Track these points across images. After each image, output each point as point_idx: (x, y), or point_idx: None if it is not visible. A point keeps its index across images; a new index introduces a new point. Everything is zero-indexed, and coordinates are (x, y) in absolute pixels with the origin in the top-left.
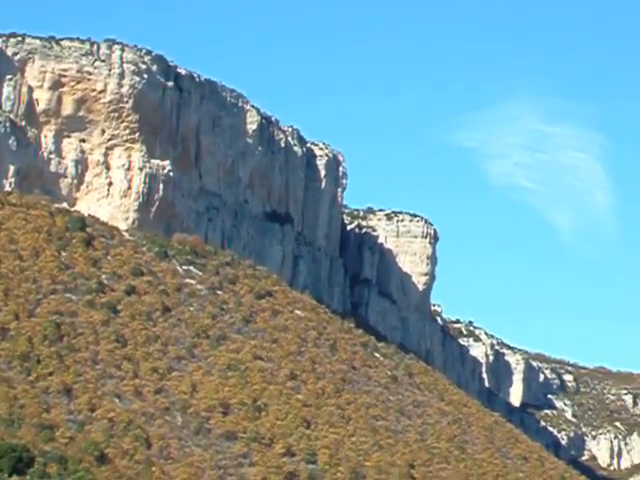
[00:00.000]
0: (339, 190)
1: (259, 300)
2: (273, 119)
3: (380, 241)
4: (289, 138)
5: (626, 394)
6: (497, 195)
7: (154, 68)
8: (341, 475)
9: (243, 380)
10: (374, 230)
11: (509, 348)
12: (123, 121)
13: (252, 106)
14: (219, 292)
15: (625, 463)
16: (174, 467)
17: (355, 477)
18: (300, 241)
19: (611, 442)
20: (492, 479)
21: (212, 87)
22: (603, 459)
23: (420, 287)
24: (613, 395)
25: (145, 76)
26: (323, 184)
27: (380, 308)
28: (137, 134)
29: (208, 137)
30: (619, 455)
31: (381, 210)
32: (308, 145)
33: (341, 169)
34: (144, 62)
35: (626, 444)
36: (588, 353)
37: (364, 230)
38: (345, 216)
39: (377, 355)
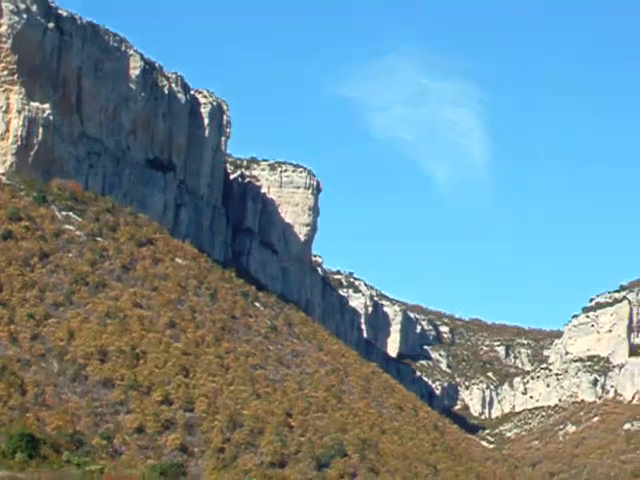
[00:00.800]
0: (223, 139)
1: (139, 248)
2: (157, 65)
3: (263, 191)
4: (173, 85)
5: (499, 345)
6: (379, 147)
7: (34, 8)
8: (218, 423)
9: (122, 328)
10: (257, 180)
11: (388, 300)
12: (1, 62)
13: (135, 51)
14: (99, 239)
15: (496, 412)
16: (49, 414)
17: (232, 425)
18: (182, 189)
19: (483, 392)
20: (368, 428)
21: (94, 30)
22: (475, 408)
23: (302, 238)
24: (487, 346)
25: (24, 16)
26: (207, 132)
27: (261, 258)
28: (16, 75)
29: (90, 81)
30: (490, 405)
31: (264, 160)
32: (192, 93)
33: (225, 118)
34: (24, 2)
35: (497, 394)
36: (464, 305)
37: (247, 180)
38: (228, 165)
39: (257, 305)
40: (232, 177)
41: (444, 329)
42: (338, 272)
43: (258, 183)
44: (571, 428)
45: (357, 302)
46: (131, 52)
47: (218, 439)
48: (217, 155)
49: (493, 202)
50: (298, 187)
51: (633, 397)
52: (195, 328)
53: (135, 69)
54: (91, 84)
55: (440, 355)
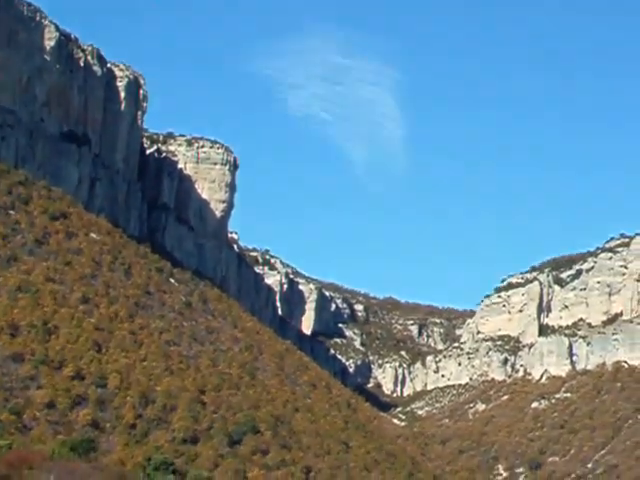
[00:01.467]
0: (139, 113)
1: (53, 221)
2: (73, 37)
3: (179, 167)
4: (89, 57)
5: (412, 324)
6: (296, 125)
7: None
8: (131, 399)
9: (34, 302)
10: (174, 155)
11: (303, 277)
12: None
13: (50, 22)
14: (11, 212)
15: (408, 390)
16: None
17: (145, 401)
18: (97, 163)
19: (396, 370)
20: (281, 405)
21: (8, 0)
22: (388, 386)
23: (218, 214)
24: (400, 325)
25: None
26: (123, 106)
27: (177, 234)
28: None
29: (3, 52)
30: (403, 383)
31: (181, 136)
32: (108, 66)
33: (142, 92)
34: None
35: (410, 372)
36: (378, 284)
37: (164, 155)
38: (145, 140)
39: (172, 281)
40: (148, 152)
41: (358, 307)
42: (254, 249)
43: (175, 159)
44: (481, 406)
45: (272, 280)
46: (46, 23)
47: (130, 415)
48: (133, 129)
49: (408, 181)
50: (215, 163)
51: (541, 376)
52: (109, 303)
53: (50, 40)
54: (4, 54)
55: (354, 333)
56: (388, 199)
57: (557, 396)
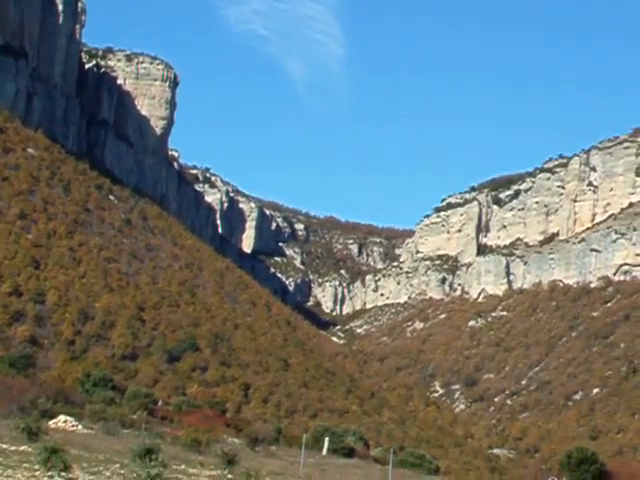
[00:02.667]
0: (77, 27)
1: None
2: None
3: (119, 82)
4: None
5: (352, 243)
6: (236, 42)
7: None
8: (69, 316)
9: None
10: (113, 71)
11: (244, 196)
12: None
13: None
14: None
15: (347, 309)
16: None
17: (84, 318)
18: (35, 77)
19: (335, 289)
20: (220, 322)
21: None
22: (327, 305)
23: (158, 131)
24: (340, 244)
25: None
26: (61, 19)
27: (116, 150)
28: None
29: None
30: (342, 301)
31: (121, 50)
32: None
33: (80, 5)
34: None
35: (349, 291)
36: (319, 203)
37: (103, 70)
38: (83, 55)
39: (112, 198)
40: (87, 67)
41: (299, 226)
42: (194, 167)
43: (114, 74)
44: (419, 325)
45: (213, 198)
46: None
47: (69, 331)
48: (71, 43)
49: (348, 100)
50: (155, 79)
51: (479, 295)
52: (47, 220)
53: None
54: None
55: (294, 252)
56: (328, 118)
57: (493, 314)
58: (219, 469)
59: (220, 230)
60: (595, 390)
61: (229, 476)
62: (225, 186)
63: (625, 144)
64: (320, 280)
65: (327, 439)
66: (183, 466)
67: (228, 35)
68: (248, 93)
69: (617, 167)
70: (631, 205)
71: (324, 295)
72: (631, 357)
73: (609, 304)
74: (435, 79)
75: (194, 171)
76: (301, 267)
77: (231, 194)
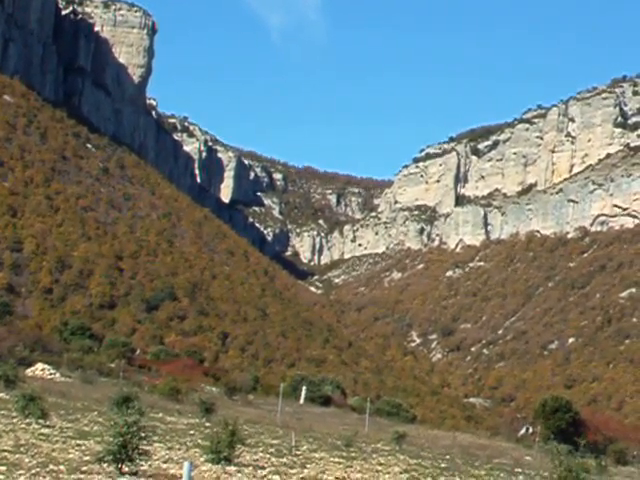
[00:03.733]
0: None
1: None
2: None
3: (96, 29)
4: None
5: (331, 194)
6: None
7: None
8: (47, 264)
9: None
10: (90, 17)
11: (222, 145)
12: None
13: None
14: None
15: (325, 259)
16: None
17: (61, 266)
18: (11, 23)
19: (314, 239)
20: (198, 272)
21: None
22: (305, 255)
23: (136, 79)
24: (319, 194)
25: None
26: None
27: (94, 99)
28: None
29: None
30: (320, 251)
31: None
32: None
33: None
34: None
35: (327, 241)
36: (297, 153)
37: (80, 17)
38: (60, 1)
39: (89, 146)
40: (64, 13)
41: (277, 176)
42: (172, 116)
43: (91, 21)
44: (397, 275)
45: (191, 147)
46: None
47: (46, 280)
48: None
49: (326, 49)
50: (133, 27)
51: (456, 245)
52: (24, 167)
53: None
54: None
55: (273, 202)
56: (306, 67)
57: (471, 265)
58: (197, 417)
59: (198, 180)
60: (570, 340)
61: (207, 424)
62: (203, 135)
63: (603, 95)
64: (298, 230)
65: (304, 388)
66: (161, 414)
67: None
68: (226, 42)
69: (595, 118)
70: (609, 156)
71: (302, 245)
72: (606, 307)
73: (585, 254)
74: (413, 29)
75: (172, 120)
76: (279, 217)
77: (209, 143)
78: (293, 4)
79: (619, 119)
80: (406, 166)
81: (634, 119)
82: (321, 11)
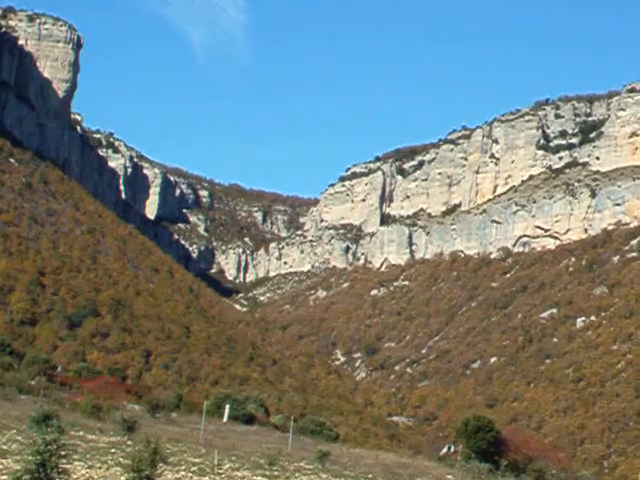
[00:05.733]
0: None
1: None
2: None
3: (20, 43)
4: None
5: (257, 211)
6: (136, 5)
7: None
8: None
9: None
10: (14, 31)
11: (148, 161)
12: None
13: None
14: None
15: (250, 277)
16: None
17: None
18: None
19: (239, 256)
20: (122, 289)
21: None
22: (230, 272)
23: (61, 94)
24: (245, 212)
25: None
26: None
27: (18, 113)
28: None
29: None
30: (245, 269)
31: (22, 10)
32: None
33: None
34: None
35: (253, 259)
36: (224, 171)
37: (3, 30)
38: None
39: (12, 161)
40: None
41: (203, 193)
42: (98, 131)
43: (15, 34)
44: (322, 293)
45: (116, 163)
46: None
47: None
48: None
49: (251, 67)
50: (58, 41)
51: (381, 264)
52: None
53: None
54: None
55: (198, 219)
56: (231, 84)
57: (395, 284)
58: (118, 436)
59: (123, 196)
60: (493, 359)
61: (128, 442)
62: (129, 151)
63: (527, 117)
64: (224, 247)
65: (228, 406)
66: (82, 432)
67: None
68: (151, 58)
69: (518, 140)
70: (531, 177)
71: (228, 262)
72: (527, 327)
73: (508, 275)
74: (338, 48)
75: (97, 135)
76: (205, 234)
77: (135, 159)
78: (218, 22)
79: (542, 141)
80: (332, 185)
81: (556, 142)
82: (246, 30)
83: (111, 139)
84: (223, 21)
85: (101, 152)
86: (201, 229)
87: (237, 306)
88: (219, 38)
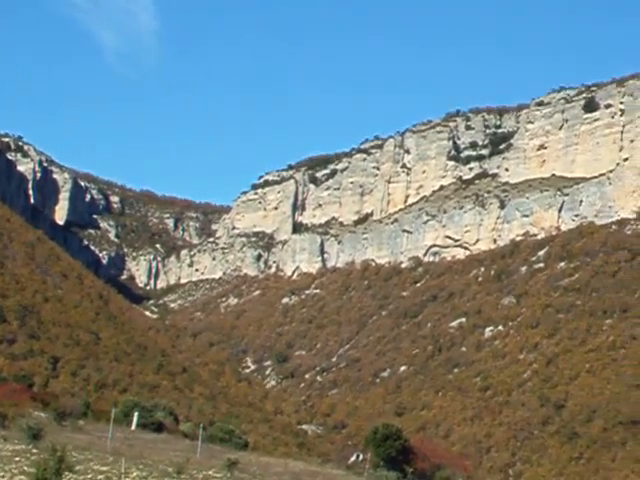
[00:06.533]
0: None
1: None
2: None
3: None
4: None
5: (168, 218)
6: (42, 6)
7: None
8: None
9: None
10: None
11: (58, 166)
12: None
13: None
14: None
15: (161, 283)
16: None
17: None
18: None
19: (150, 263)
20: (30, 295)
21: None
22: (141, 279)
23: None
24: (156, 218)
25: None
26: None
27: None
28: None
29: None
30: (156, 276)
31: None
32: None
33: None
34: None
35: (164, 265)
36: (135, 176)
37: None
38: None
39: None
40: None
41: (114, 199)
42: (6, 135)
43: None
44: (233, 301)
45: (25, 167)
46: None
47: None
48: None
49: (162, 73)
50: None
51: (293, 273)
52: None
53: None
54: None
55: (109, 225)
56: (142, 89)
57: (307, 292)
58: (23, 444)
59: (32, 200)
60: (402, 368)
61: (34, 450)
62: (38, 155)
63: (438, 128)
64: (135, 254)
65: (136, 414)
66: None
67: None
68: (60, 60)
69: (430, 150)
70: (442, 188)
71: (138, 269)
72: (437, 336)
73: (418, 284)
74: (251, 52)
75: (6, 139)
76: (115, 240)
77: (44, 164)
78: (128, 26)
79: (452, 152)
80: (245, 192)
81: (466, 152)
82: (157, 35)
83: (20, 143)
84: (134, 25)
85: (9, 156)
86: (112, 235)
87: (147, 313)
88: (130, 43)
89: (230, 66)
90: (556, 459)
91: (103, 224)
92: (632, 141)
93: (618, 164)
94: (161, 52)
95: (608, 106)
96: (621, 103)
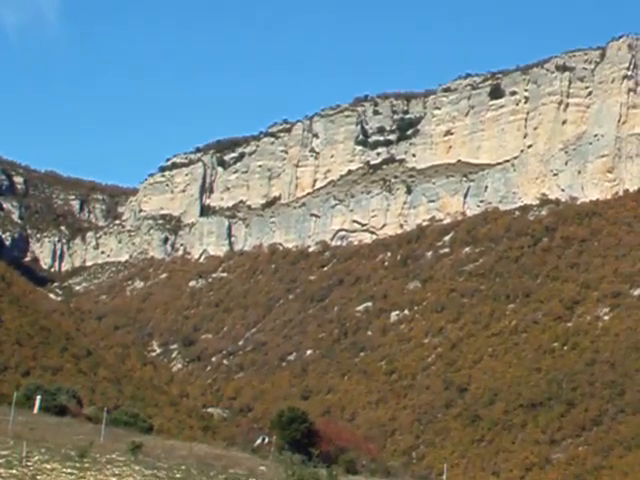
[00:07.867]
0: None
1: None
2: None
3: None
4: None
5: (74, 200)
6: None
7: None
8: None
9: None
10: None
11: None
12: None
13: None
14: None
15: (66, 266)
16: None
17: None
18: None
19: (55, 245)
20: None
21: None
22: (45, 261)
23: None
24: (61, 200)
25: None
26: None
27: None
28: None
29: None
30: (61, 258)
31: None
32: None
33: None
34: None
35: (69, 248)
36: (39, 157)
37: None
38: None
39: None
40: None
41: (18, 179)
42: None
43: None
44: (139, 284)
45: None
46: None
47: None
48: None
49: (66, 51)
50: None
51: (200, 256)
52: None
53: None
54: None
55: (12, 206)
56: (47, 68)
57: (214, 275)
58: None
59: None
60: (308, 351)
61: None
62: None
63: (346, 112)
64: (39, 236)
65: (39, 397)
66: None
67: None
68: None
69: (338, 135)
70: (350, 172)
71: (42, 251)
72: (343, 320)
73: (325, 268)
74: (159, 32)
75: None
76: (19, 222)
77: None
78: (30, 2)
79: (360, 137)
80: (152, 175)
81: (374, 138)
82: (59, 12)
83: None
84: (35, 3)
85: None
86: (15, 216)
87: (52, 295)
88: (30, 18)
89: (136, 46)
90: (458, 441)
91: (6, 205)
92: (535, 128)
93: (522, 151)
94: (65, 29)
95: (513, 93)
96: (525, 90)
